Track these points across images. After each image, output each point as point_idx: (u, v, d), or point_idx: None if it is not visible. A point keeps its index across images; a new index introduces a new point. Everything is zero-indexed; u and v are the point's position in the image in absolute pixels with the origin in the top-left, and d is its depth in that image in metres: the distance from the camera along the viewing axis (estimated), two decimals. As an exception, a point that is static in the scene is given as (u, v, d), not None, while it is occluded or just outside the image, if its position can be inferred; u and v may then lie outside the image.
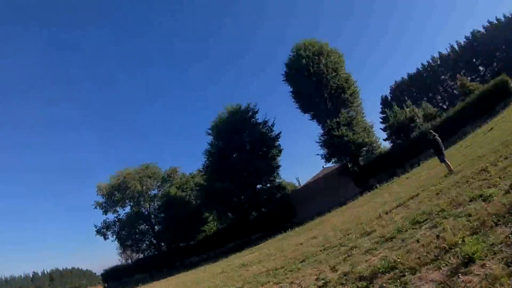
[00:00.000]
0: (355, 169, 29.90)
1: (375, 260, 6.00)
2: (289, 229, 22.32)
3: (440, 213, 6.91)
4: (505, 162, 8.01)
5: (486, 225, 4.93)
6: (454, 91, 54.93)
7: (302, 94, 30.79)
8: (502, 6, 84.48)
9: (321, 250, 9.29)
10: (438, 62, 61.77)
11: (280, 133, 33.18)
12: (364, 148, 29.86)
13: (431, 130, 13.42)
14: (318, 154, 31.65)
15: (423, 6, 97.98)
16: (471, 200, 6.63)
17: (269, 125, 33.14)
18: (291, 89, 32.27)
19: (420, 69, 64.13)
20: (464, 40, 58.94)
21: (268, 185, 32.64)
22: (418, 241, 5.81)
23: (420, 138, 26.69)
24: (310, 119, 32.03)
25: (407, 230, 6.95)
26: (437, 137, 12.36)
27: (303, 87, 29.96)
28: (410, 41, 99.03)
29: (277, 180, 33.04)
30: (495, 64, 52.54)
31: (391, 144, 33.12)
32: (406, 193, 12.37)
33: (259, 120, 33.48)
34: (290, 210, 30.53)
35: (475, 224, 5.20)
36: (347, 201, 23.28)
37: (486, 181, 7.29)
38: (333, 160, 30.86)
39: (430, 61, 63.22)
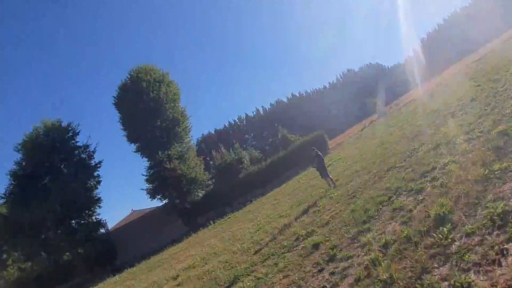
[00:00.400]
0: (187, 206, 30.01)
1: (396, 228, 5.67)
2: (123, 271, 20.41)
3: (400, 191, 7.37)
4: (410, 160, 9.52)
5: (488, 160, 5.85)
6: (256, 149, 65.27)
7: (134, 120, 29.71)
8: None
9: (248, 268, 8.23)
10: (244, 122, 72.59)
11: (101, 162, 31.30)
12: (193, 185, 30.57)
13: (313, 148, 14.82)
14: (143, 189, 30.48)
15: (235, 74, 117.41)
16: (426, 172, 7.50)
17: (90, 150, 30.72)
18: (121, 115, 30.88)
19: (227, 126, 73.07)
20: (269, 106, 73.06)
21: (85, 221, 29.46)
22: (421, 202, 6.07)
23: (248, 178, 29.86)
24: (135, 151, 31.31)
25: (380, 209, 7.03)
26: (319, 153, 13.76)
27: (138, 112, 29.05)
28: (220, 100, 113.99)
29: (95, 216, 30.27)
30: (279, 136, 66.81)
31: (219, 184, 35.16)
32: (290, 210, 12.84)
33: (80, 144, 30.98)
34: (112, 251, 28.42)
35: (476, 166, 5.99)
36: (182, 238, 23.19)
37: (418, 165, 8.41)
38: (158, 197, 30.56)
39: (237, 120, 73.52)
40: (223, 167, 32.31)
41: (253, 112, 74.38)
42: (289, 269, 6.78)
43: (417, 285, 3.60)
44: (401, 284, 3.79)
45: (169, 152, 28.82)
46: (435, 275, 3.64)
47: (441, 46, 55.35)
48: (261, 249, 9.29)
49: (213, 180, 32.04)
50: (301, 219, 10.48)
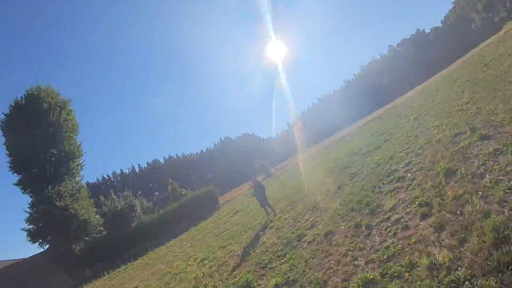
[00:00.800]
0: (76, 253, 26.37)
1: (408, 193, 6.94)
2: None
3: (380, 185, 8.20)
4: (363, 173, 10.43)
5: (453, 141, 8.03)
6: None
7: (24, 146, 25.94)
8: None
9: (254, 274, 7.49)
10: (118, 179, 68.82)
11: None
12: (84, 229, 27.51)
13: (253, 176, 15.65)
14: (24, 229, 26.07)
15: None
16: (393, 172, 8.57)
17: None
18: (8, 138, 26.75)
19: (100, 180, 67.46)
20: (145, 165, 71.98)
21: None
22: (413, 179, 7.43)
23: (142, 227, 28.37)
24: (16, 184, 26.88)
25: (371, 197, 7.66)
26: (260, 182, 14.76)
27: (32, 136, 25.73)
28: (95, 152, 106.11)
29: None
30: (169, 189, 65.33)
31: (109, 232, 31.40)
32: (233, 240, 12.04)
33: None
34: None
35: (443, 149, 7.97)
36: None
37: (377, 172, 9.45)
38: (39, 241, 26.55)
39: (111, 175, 69.21)
40: (114, 214, 29.67)
41: (128, 169, 71.44)
42: (322, 252, 6.34)
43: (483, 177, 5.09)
44: (468, 187, 5.18)
45: (60, 188, 25.61)
46: (488, 180, 5.17)
47: (313, 122, 65.82)
48: (239, 265, 8.42)
49: (104, 227, 28.73)
50: (267, 236, 9.80)
